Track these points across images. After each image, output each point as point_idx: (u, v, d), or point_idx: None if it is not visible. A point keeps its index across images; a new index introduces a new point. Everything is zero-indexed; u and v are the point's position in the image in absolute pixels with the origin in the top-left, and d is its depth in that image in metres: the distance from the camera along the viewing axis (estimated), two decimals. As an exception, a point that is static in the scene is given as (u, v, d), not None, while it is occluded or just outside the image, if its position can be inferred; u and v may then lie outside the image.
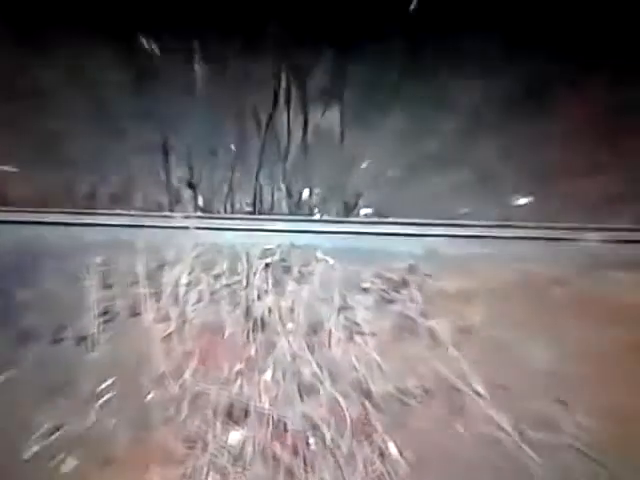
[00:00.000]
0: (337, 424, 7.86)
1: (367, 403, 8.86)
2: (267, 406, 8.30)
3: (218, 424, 8.73)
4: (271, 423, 8.23)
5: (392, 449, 7.72)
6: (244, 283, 15.78)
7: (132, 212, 18.39)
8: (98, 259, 16.82)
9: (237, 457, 7.99)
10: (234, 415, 9.25)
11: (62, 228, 13.01)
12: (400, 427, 7.95)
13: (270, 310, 14.91)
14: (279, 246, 17.80)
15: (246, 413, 9.03)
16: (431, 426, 7.67)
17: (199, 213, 20.21)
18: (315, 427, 7.75)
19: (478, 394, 8.02)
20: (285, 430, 7.82)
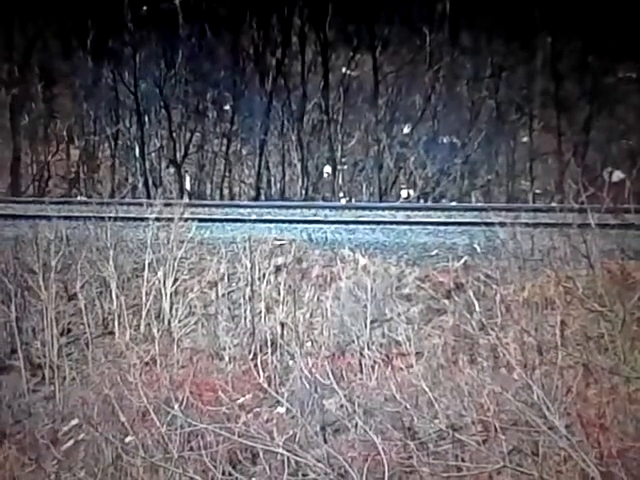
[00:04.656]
0: (372, 470, 8.10)
1: (411, 444, 9.09)
2: (281, 449, 8.58)
3: (218, 474, 8.98)
4: (286, 470, 8.51)
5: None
6: (248, 291, 15.87)
7: (95, 199, 18.82)
8: (53, 261, 17.05)
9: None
10: (238, 461, 9.52)
11: (1, 221, 13.17)
12: (455, 475, 8.18)
13: (283, 326, 15.05)
14: (293, 242, 17.90)
15: (254, 458, 9.30)
16: (495, 473, 7.89)
17: (185, 199, 20.44)
18: (344, 474, 7.98)
19: (557, 432, 8.22)
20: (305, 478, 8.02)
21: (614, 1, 28.00)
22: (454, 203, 23.32)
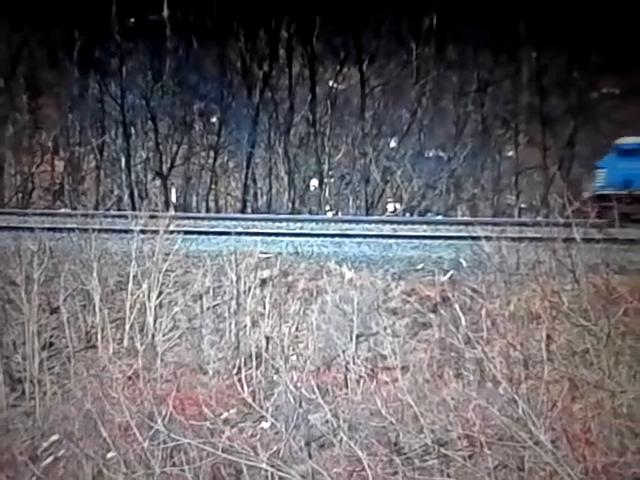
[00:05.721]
0: (357, 487, 8.00)
1: (396, 459, 9.04)
2: (265, 464, 8.53)
3: (201, 490, 8.86)
4: (270, 486, 8.40)
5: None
6: (233, 305, 15.76)
7: (80, 210, 18.55)
8: (36, 274, 16.96)
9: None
10: (222, 477, 9.44)
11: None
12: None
13: (268, 340, 14.96)
14: (279, 255, 17.86)
15: (237, 473, 9.23)
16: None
17: (171, 211, 20.29)
18: (328, 491, 7.89)
19: (542, 446, 8.20)
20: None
21: (598, 17, 28.31)
22: (440, 217, 23.38)
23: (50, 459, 11.78)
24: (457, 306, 10.91)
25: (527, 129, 30.08)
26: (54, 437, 11.99)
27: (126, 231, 16.26)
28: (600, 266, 10.61)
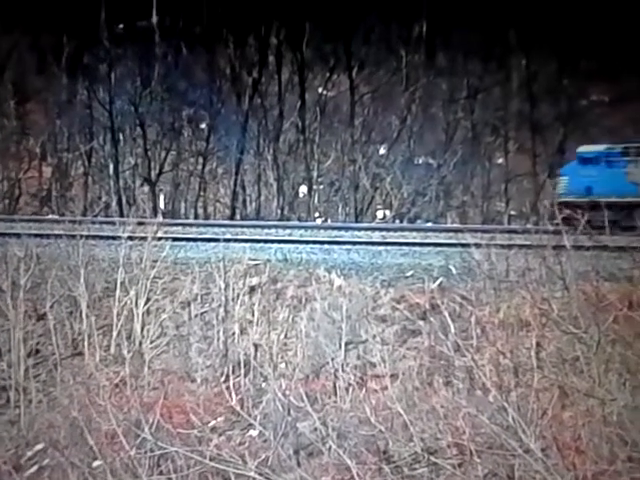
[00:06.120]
0: (346, 495, 7.96)
1: (385, 467, 8.99)
2: (253, 473, 8.48)
3: (188, 499, 8.80)
4: (259, 495, 8.33)
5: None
6: (221, 312, 15.66)
7: (68, 217, 18.42)
8: (23, 280, 16.81)
9: None
10: (209, 485, 9.31)
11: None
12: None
13: (257, 347, 14.86)
14: (268, 262, 17.80)
15: (225, 482, 9.11)
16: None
17: (159, 218, 20.17)
18: (317, 500, 7.83)
19: (532, 455, 8.17)
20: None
21: (588, 25, 28.45)
22: (430, 224, 23.42)
23: (34, 468, 11.67)
24: (446, 313, 10.88)
25: (517, 136, 30.17)
26: (39, 446, 11.87)
27: (114, 238, 16.17)
28: (590, 273, 10.61)
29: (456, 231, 17.51)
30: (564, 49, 29.21)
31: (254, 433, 11.09)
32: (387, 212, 28.65)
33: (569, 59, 29.60)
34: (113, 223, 18.11)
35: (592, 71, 29.60)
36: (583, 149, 20.89)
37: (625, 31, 27.35)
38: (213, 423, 11.48)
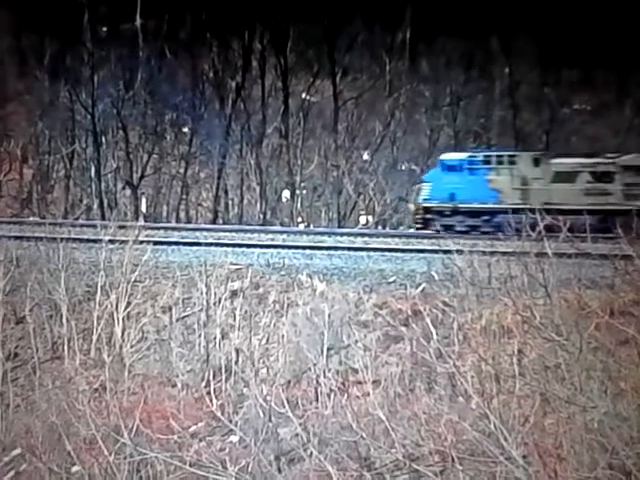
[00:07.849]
0: (327, 502, 7.94)
1: (367, 474, 8.97)
2: (234, 479, 8.42)
3: (167, 505, 8.75)
4: (239, 502, 8.29)
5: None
6: (203, 317, 15.56)
7: (48, 219, 18.30)
8: (2, 283, 16.63)
9: None
10: (189, 491, 9.25)
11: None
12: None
13: (238, 352, 14.76)
14: (250, 266, 17.68)
15: (205, 489, 9.06)
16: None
17: (141, 221, 20.04)
18: (298, 507, 7.80)
19: (514, 462, 8.18)
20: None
21: (571, 34, 28.70)
22: (412, 230, 23.49)
23: (11, 474, 11.54)
24: (429, 320, 10.88)
25: (499, 143, 30.33)
26: (16, 451, 11.74)
27: (95, 241, 16.05)
28: (572, 281, 10.65)
29: (438, 237, 17.56)
30: (547, 58, 29.43)
31: (235, 439, 11.02)
32: (370, 218, 28.68)
33: (552, 68, 29.83)
34: (94, 226, 17.99)
35: (575, 80, 29.84)
36: (446, 157, 21.42)
37: (608, 41, 27.60)
38: (193, 428, 11.41)
